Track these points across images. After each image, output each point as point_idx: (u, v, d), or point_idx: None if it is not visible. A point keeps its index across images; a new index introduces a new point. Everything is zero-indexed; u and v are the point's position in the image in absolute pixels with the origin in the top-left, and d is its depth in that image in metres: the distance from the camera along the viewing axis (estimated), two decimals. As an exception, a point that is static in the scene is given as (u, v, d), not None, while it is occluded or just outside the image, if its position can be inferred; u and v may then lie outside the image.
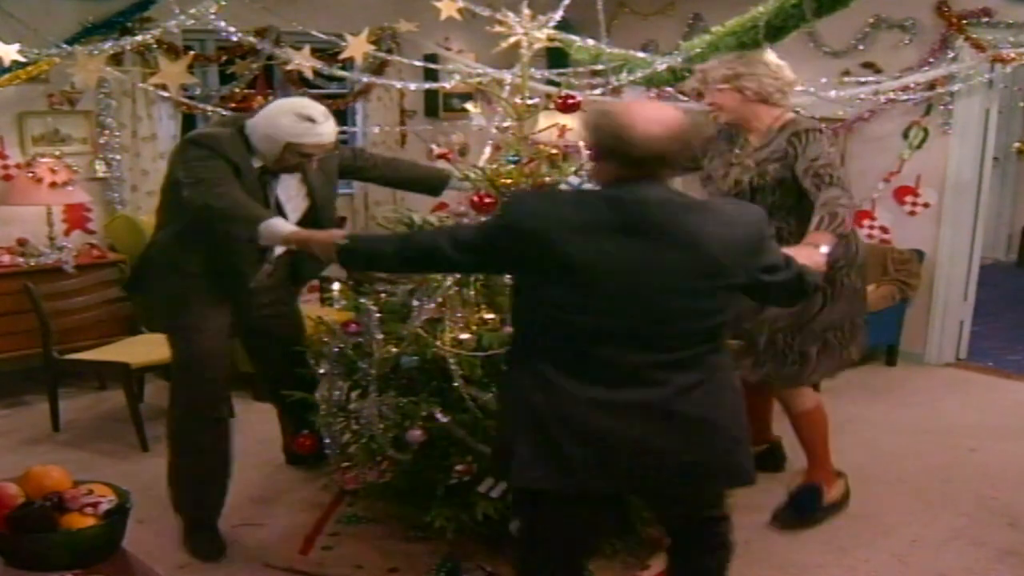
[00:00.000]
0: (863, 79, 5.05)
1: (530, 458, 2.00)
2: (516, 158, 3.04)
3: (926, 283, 5.30)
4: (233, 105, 5.06)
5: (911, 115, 5.21)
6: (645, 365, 1.98)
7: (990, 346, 5.70)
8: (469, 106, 3.33)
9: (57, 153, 4.88)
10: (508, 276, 2.78)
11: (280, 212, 3.03)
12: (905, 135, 5.27)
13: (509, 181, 2.98)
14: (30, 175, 4.68)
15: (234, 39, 4.04)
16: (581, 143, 3.29)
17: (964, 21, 4.90)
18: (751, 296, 2.20)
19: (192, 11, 3.69)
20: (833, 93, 4.79)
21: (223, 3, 3.62)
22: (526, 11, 3.05)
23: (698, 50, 3.85)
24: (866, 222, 5.45)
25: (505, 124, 3.14)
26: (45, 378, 4.34)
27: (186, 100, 4.69)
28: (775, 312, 3.15)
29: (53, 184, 4.69)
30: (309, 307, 4.94)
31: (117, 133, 5.09)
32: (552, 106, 3.18)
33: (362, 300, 3.05)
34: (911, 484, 3.76)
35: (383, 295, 3.19)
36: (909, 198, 5.33)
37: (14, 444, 4.16)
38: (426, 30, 4.78)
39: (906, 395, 4.89)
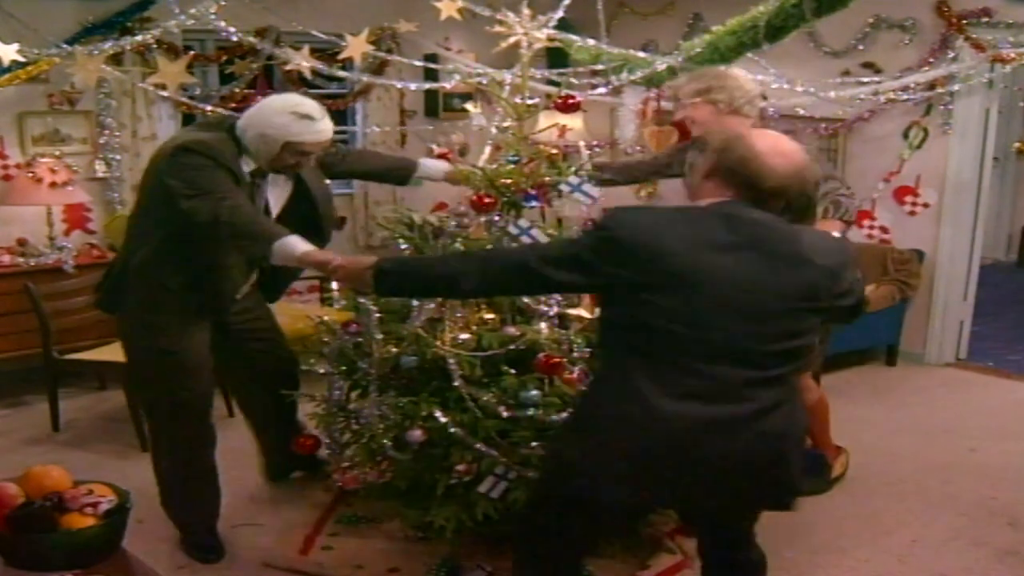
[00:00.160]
0: (863, 79, 5.05)
1: (622, 473, 1.99)
2: (516, 158, 3.04)
3: (926, 283, 5.30)
4: (233, 105, 5.05)
5: (911, 115, 5.21)
6: (739, 382, 1.98)
7: (990, 346, 5.70)
8: (469, 106, 3.33)
9: (57, 153, 4.88)
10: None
11: (267, 214, 2.99)
12: (905, 135, 5.27)
13: (509, 181, 2.98)
14: (30, 175, 4.68)
15: (234, 39, 4.04)
16: (582, 143, 3.31)
17: (964, 21, 4.90)
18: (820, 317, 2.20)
19: (192, 11, 3.70)
20: (833, 93, 4.79)
21: (223, 3, 3.62)
22: (526, 11, 3.06)
23: (698, 50, 3.86)
24: (866, 222, 5.45)
25: (505, 124, 3.14)
26: (45, 378, 4.33)
27: (186, 100, 4.69)
28: None
29: (53, 184, 4.69)
30: (309, 307, 4.95)
31: (117, 133, 5.09)
32: (552, 106, 3.19)
33: (362, 300, 3.05)
34: (911, 484, 3.76)
35: (383, 295, 3.19)
36: (909, 198, 5.33)
37: (14, 444, 4.16)
38: (426, 30, 4.78)
39: (906, 395, 4.89)
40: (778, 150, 2.03)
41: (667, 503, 2.08)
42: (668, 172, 3.67)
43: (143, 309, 2.95)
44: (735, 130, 2.16)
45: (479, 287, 2.20)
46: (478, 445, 2.80)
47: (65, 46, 4.16)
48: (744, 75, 3.37)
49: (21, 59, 3.66)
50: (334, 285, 3.27)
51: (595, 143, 3.37)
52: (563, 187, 2.96)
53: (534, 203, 3.01)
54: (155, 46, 4.76)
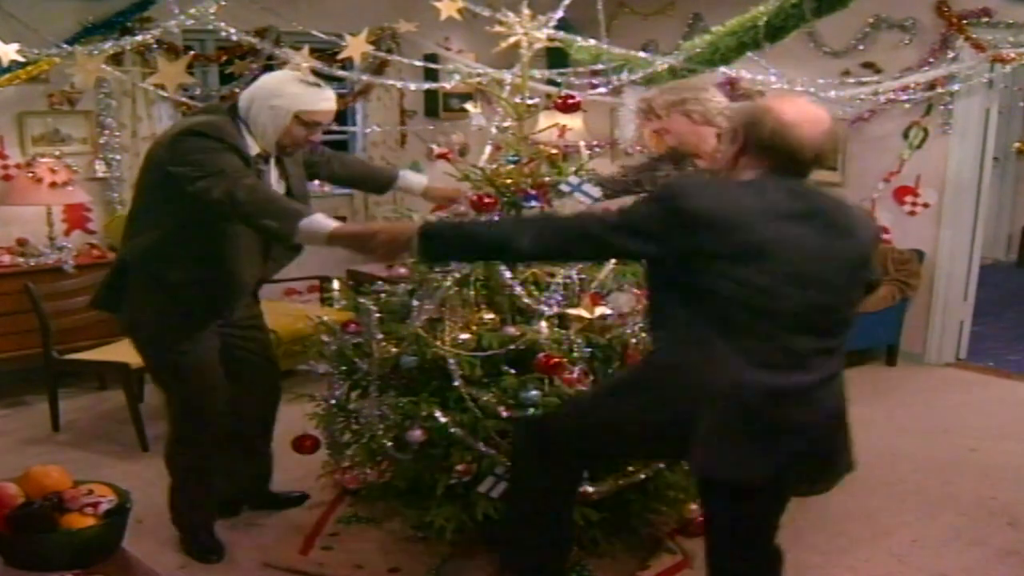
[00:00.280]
0: (863, 79, 5.05)
1: (718, 446, 2.00)
2: (516, 158, 3.04)
3: (926, 283, 5.30)
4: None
5: (911, 115, 5.21)
6: (807, 350, 2.02)
7: (990, 346, 5.71)
8: (469, 106, 3.33)
9: (57, 153, 4.88)
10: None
11: None
12: (905, 135, 5.27)
13: (509, 181, 2.98)
14: (30, 175, 4.68)
15: (234, 39, 4.04)
16: (582, 143, 3.30)
17: (964, 21, 4.90)
18: None
19: (192, 11, 3.70)
20: (833, 93, 4.79)
21: (223, 3, 3.62)
22: (526, 11, 3.05)
23: (698, 50, 3.86)
24: (866, 222, 5.44)
25: (505, 124, 3.14)
26: (45, 378, 4.34)
27: (186, 100, 4.69)
28: None
29: (53, 184, 4.69)
30: (309, 307, 4.95)
31: (117, 133, 5.10)
32: (552, 106, 3.19)
33: (362, 300, 3.05)
34: (911, 484, 3.76)
35: (383, 295, 3.19)
36: (909, 198, 5.33)
37: (14, 444, 4.16)
38: (426, 30, 4.78)
39: (906, 395, 4.89)
40: (807, 116, 2.05)
41: (723, 471, 2.05)
42: (637, 189, 3.69)
43: (146, 307, 2.85)
44: (762, 100, 2.17)
45: (534, 250, 2.15)
46: (478, 445, 2.80)
47: (65, 46, 4.16)
48: (714, 89, 3.45)
49: (21, 59, 3.66)
50: (334, 286, 3.25)
51: (595, 143, 3.38)
52: (563, 187, 2.95)
53: (534, 203, 3.01)
54: (155, 46, 4.77)
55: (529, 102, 3.07)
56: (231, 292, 2.94)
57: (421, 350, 2.90)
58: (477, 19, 3.88)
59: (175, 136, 2.70)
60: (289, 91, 2.75)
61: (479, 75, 4.32)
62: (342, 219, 5.52)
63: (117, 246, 4.95)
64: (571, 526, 2.54)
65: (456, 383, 2.82)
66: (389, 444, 2.95)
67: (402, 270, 3.23)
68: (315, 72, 4.24)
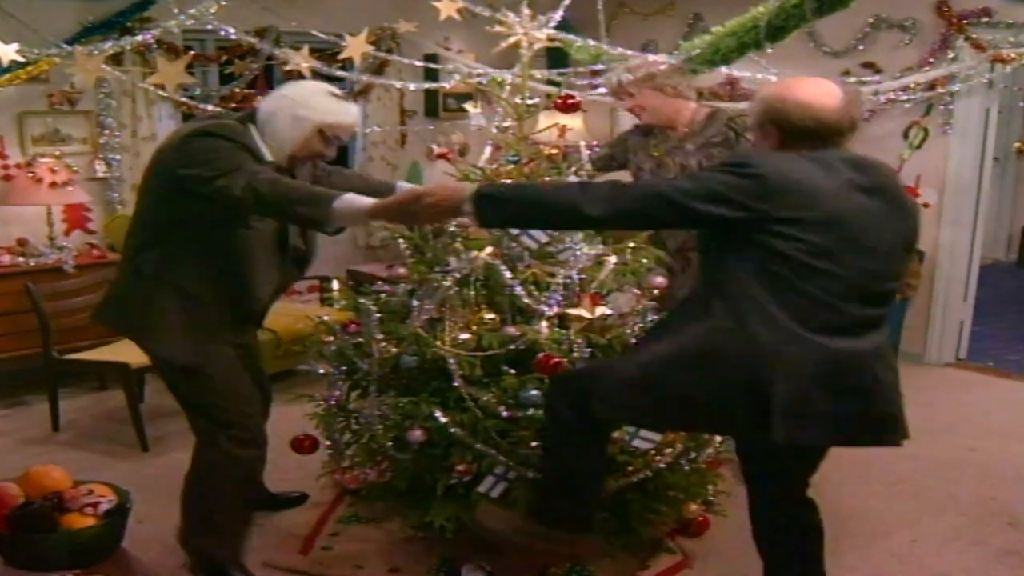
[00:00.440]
0: (863, 79, 5.05)
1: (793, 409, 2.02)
2: (516, 158, 3.04)
3: (926, 283, 5.30)
4: (233, 105, 5.06)
5: (911, 115, 5.21)
6: (863, 319, 2.08)
7: (990, 346, 5.71)
8: (469, 106, 3.33)
9: (57, 153, 4.88)
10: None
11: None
12: (905, 135, 5.27)
13: (509, 181, 2.98)
14: (30, 175, 4.68)
15: (234, 39, 4.04)
16: (582, 143, 3.30)
17: (964, 21, 4.90)
18: None
19: (192, 11, 3.70)
20: (833, 93, 4.78)
21: (223, 3, 3.62)
22: (526, 11, 3.06)
23: (698, 50, 3.86)
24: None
25: (505, 124, 3.14)
26: (45, 378, 4.34)
27: (186, 100, 4.69)
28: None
29: (53, 184, 4.69)
30: (309, 307, 4.95)
31: (117, 133, 5.10)
32: (552, 106, 3.19)
33: (362, 300, 3.05)
34: (911, 484, 3.76)
35: (383, 295, 3.19)
36: (909, 198, 5.33)
37: (14, 444, 4.16)
38: (426, 30, 4.78)
39: (906, 395, 4.84)
40: (821, 91, 2.11)
41: (807, 437, 2.09)
42: (612, 165, 3.78)
43: (159, 322, 2.67)
44: (769, 90, 2.20)
45: (607, 216, 2.10)
46: (478, 445, 2.80)
47: (65, 46, 4.16)
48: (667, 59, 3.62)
49: (21, 59, 3.66)
50: (334, 285, 3.24)
51: (595, 143, 3.39)
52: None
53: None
54: (155, 46, 4.77)
55: (529, 102, 3.08)
56: (250, 304, 2.82)
57: (421, 350, 2.90)
58: (477, 19, 3.87)
59: (184, 138, 2.60)
60: (316, 103, 2.68)
61: (479, 75, 4.32)
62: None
63: (117, 246, 5.00)
64: (604, 466, 2.54)
65: (456, 383, 2.82)
66: (389, 444, 2.95)
67: (402, 270, 3.22)
68: (315, 72, 4.26)
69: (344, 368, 3.13)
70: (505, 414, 2.79)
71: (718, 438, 3.11)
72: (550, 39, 3.18)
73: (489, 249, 2.86)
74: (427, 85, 4.89)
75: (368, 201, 2.35)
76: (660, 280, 3.08)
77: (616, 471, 2.85)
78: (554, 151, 3.12)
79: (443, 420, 2.81)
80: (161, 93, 4.10)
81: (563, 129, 3.29)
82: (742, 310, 2.06)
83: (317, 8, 5.21)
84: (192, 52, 4.90)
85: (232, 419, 2.71)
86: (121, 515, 1.94)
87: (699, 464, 3.07)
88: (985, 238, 5.63)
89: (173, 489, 3.06)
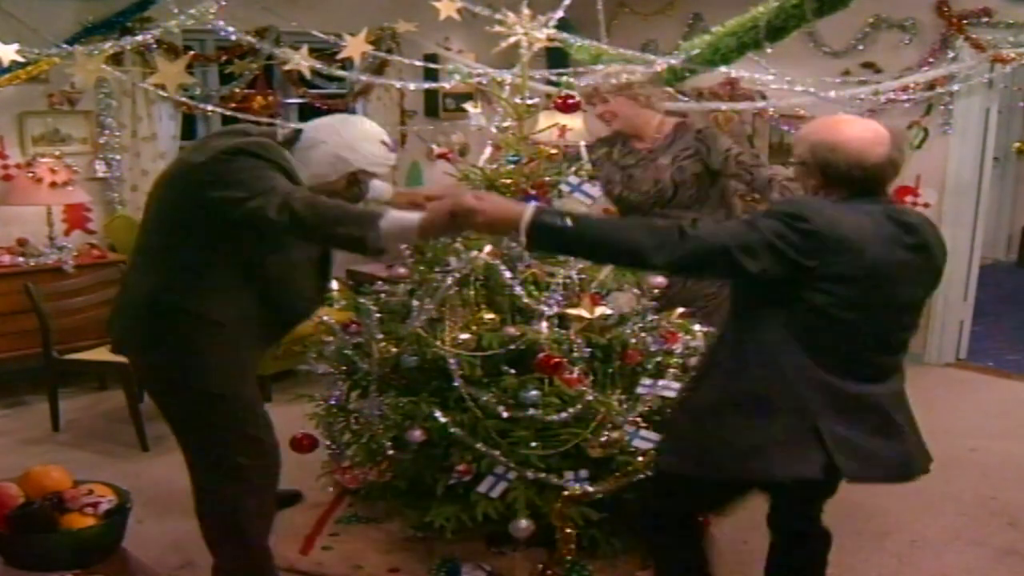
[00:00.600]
0: (863, 79, 5.05)
1: (784, 450, 2.08)
2: (516, 158, 3.04)
3: (926, 283, 5.30)
4: (233, 105, 5.06)
5: (911, 115, 5.21)
6: (885, 365, 2.17)
7: (990, 346, 5.71)
8: (469, 106, 3.33)
9: (57, 153, 4.88)
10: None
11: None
12: (905, 135, 5.28)
13: (509, 181, 2.98)
14: (30, 175, 4.68)
15: (234, 39, 4.04)
16: (582, 143, 3.31)
17: (964, 21, 4.90)
18: None
19: (192, 11, 3.70)
20: (833, 93, 4.79)
21: (223, 3, 3.63)
22: (526, 11, 3.06)
23: (698, 50, 3.86)
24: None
25: (505, 124, 3.14)
26: (45, 378, 4.34)
27: (186, 100, 4.69)
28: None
29: (53, 184, 4.69)
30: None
31: (117, 133, 5.09)
32: (552, 106, 3.19)
33: (362, 300, 3.05)
34: (911, 484, 3.72)
35: (383, 295, 3.19)
36: (909, 198, 5.32)
37: (14, 444, 4.16)
38: (426, 30, 4.78)
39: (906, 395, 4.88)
40: (869, 139, 2.11)
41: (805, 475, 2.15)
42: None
43: (183, 349, 2.46)
44: (819, 132, 2.17)
45: (666, 264, 2.08)
46: (478, 445, 2.80)
47: (65, 46, 4.16)
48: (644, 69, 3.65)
49: (21, 59, 3.66)
50: (333, 286, 3.21)
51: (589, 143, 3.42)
52: (563, 187, 2.96)
53: (534, 203, 3.00)
54: (155, 46, 4.76)
55: (529, 102, 3.08)
56: (294, 318, 2.67)
57: (421, 350, 2.90)
58: (477, 19, 3.88)
59: (217, 156, 2.37)
60: (366, 150, 2.56)
61: (479, 75, 4.33)
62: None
63: (117, 246, 5.01)
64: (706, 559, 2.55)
65: (456, 383, 2.82)
66: (389, 444, 2.94)
67: (402, 270, 3.23)
68: (315, 72, 4.26)
69: (344, 368, 3.13)
70: (505, 414, 2.79)
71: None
72: (550, 39, 3.18)
73: (489, 249, 2.86)
74: (427, 85, 4.89)
75: (415, 217, 2.17)
76: (660, 280, 3.09)
77: (616, 471, 2.85)
78: (554, 151, 3.12)
79: (443, 420, 2.81)
80: (161, 93, 4.10)
81: (563, 129, 3.29)
82: (776, 358, 2.10)
83: (317, 8, 5.21)
84: (192, 52, 4.89)
85: (250, 449, 2.57)
86: (121, 515, 1.94)
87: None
88: (985, 238, 5.63)
89: (173, 488, 3.07)
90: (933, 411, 4.62)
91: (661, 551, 2.50)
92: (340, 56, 3.98)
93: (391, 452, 2.95)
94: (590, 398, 2.79)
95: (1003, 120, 6.48)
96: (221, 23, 3.76)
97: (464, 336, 2.86)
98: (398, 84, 4.98)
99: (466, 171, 3.14)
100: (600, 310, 2.83)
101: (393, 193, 3.24)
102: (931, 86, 4.95)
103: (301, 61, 4.01)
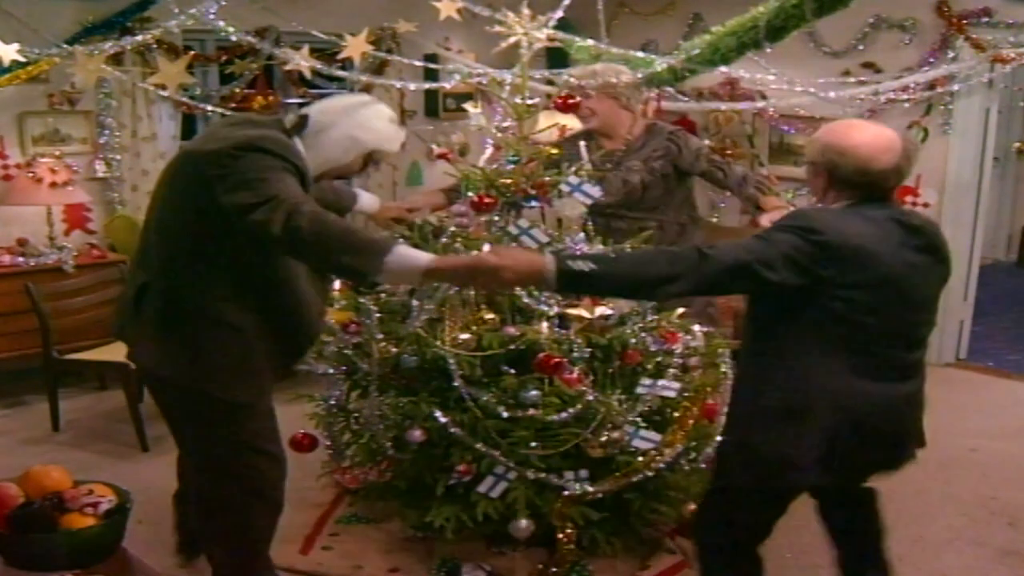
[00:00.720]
0: (863, 79, 5.05)
1: (822, 456, 2.15)
2: (516, 158, 3.04)
3: (926, 283, 5.30)
4: (233, 105, 5.06)
5: (911, 115, 5.21)
6: (908, 363, 2.25)
7: (990, 346, 5.70)
8: (468, 106, 3.33)
9: (57, 153, 4.87)
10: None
11: None
12: (905, 135, 5.27)
13: (509, 181, 2.98)
14: (30, 175, 4.68)
15: (234, 39, 4.04)
16: (582, 144, 3.30)
17: (964, 21, 4.90)
18: None
19: (192, 11, 3.70)
20: (833, 93, 4.79)
21: (223, 3, 3.63)
22: (526, 11, 3.06)
23: (698, 50, 3.86)
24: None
25: (505, 124, 3.14)
26: (45, 378, 4.34)
27: (186, 100, 4.69)
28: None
29: (53, 184, 4.69)
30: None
31: (117, 133, 5.09)
32: (552, 106, 3.19)
33: (362, 300, 3.05)
34: (911, 484, 3.74)
35: (383, 295, 3.19)
36: (909, 198, 5.32)
37: (14, 444, 4.16)
38: (426, 30, 4.79)
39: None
40: (881, 145, 2.16)
41: (844, 477, 2.29)
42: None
43: (211, 353, 2.37)
44: (831, 135, 2.23)
45: (691, 289, 2.17)
46: (478, 445, 2.80)
47: (65, 46, 4.16)
48: (625, 69, 3.64)
49: (21, 59, 3.67)
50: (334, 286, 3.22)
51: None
52: (563, 187, 2.96)
53: (534, 203, 3.01)
54: (155, 46, 4.76)
55: (529, 102, 3.08)
56: (301, 334, 2.58)
57: (421, 350, 2.90)
58: (477, 19, 3.88)
59: (227, 150, 2.27)
60: (377, 127, 2.54)
61: (479, 75, 4.33)
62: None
63: (117, 246, 5.01)
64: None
65: (456, 383, 2.82)
66: (389, 444, 2.95)
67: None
68: (315, 72, 4.27)
69: (344, 368, 3.13)
70: (505, 414, 2.80)
71: (718, 438, 3.11)
72: (550, 39, 3.18)
73: (488, 248, 2.86)
74: (427, 85, 4.90)
75: (425, 258, 2.13)
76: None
77: (616, 471, 2.85)
78: (554, 151, 3.12)
79: (443, 420, 2.81)
80: (161, 93, 4.10)
81: (563, 129, 3.29)
82: (802, 367, 2.17)
83: (317, 8, 5.21)
84: (192, 52, 4.89)
85: (261, 459, 2.52)
86: (121, 515, 1.94)
87: (699, 464, 3.07)
88: (985, 238, 5.63)
89: (173, 489, 3.06)
90: (933, 411, 4.59)
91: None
92: (340, 56, 3.98)
93: (391, 452, 2.95)
94: (590, 398, 2.79)
95: (1003, 120, 6.48)
96: (221, 23, 3.76)
97: (464, 336, 2.86)
98: (398, 84, 4.98)
99: (466, 171, 3.14)
100: (600, 310, 2.83)
101: (380, 206, 3.24)
102: (931, 86, 4.95)
103: (301, 61, 4.01)
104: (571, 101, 3.09)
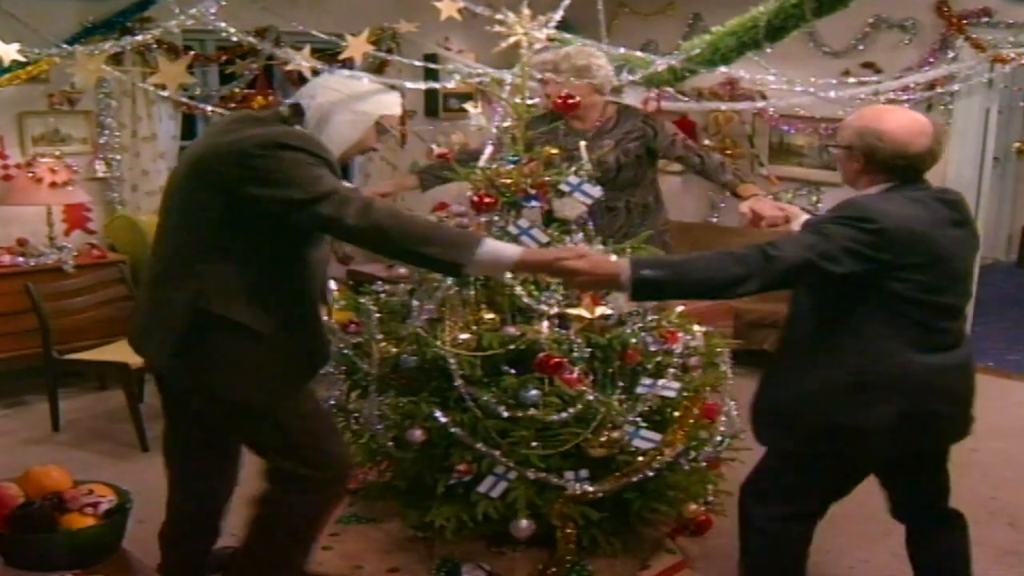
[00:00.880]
0: (863, 79, 5.05)
1: (892, 426, 2.27)
2: (516, 158, 3.04)
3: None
4: (233, 105, 5.06)
5: (911, 115, 5.21)
6: (956, 331, 2.36)
7: (990, 346, 5.70)
8: (468, 106, 3.33)
9: (57, 153, 4.88)
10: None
11: None
12: (905, 135, 5.27)
13: (509, 181, 2.98)
14: (30, 175, 4.68)
15: (234, 39, 4.04)
16: (582, 144, 3.30)
17: (964, 21, 4.90)
18: None
19: (192, 11, 3.70)
20: (833, 93, 4.79)
21: (223, 3, 3.62)
22: (526, 11, 3.06)
23: (698, 50, 3.86)
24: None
25: (505, 124, 3.14)
26: (45, 378, 4.34)
27: (186, 100, 4.69)
28: None
29: (53, 184, 4.69)
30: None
31: (117, 133, 5.10)
32: (552, 106, 3.19)
33: (362, 300, 3.05)
34: (911, 484, 3.75)
35: (383, 295, 3.19)
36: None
37: (14, 444, 4.16)
38: (426, 30, 4.78)
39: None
40: (915, 129, 2.25)
41: (909, 446, 2.42)
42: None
43: (239, 364, 2.33)
44: (867, 120, 2.32)
45: (761, 288, 2.24)
46: (478, 445, 2.80)
47: (65, 46, 4.16)
48: (600, 53, 3.69)
49: (21, 59, 3.66)
50: (333, 286, 3.23)
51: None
52: (563, 187, 2.96)
53: (534, 203, 3.01)
54: (155, 46, 4.76)
55: (529, 102, 3.07)
56: (321, 339, 2.58)
57: (421, 350, 2.90)
58: (477, 19, 3.88)
59: (251, 151, 2.21)
60: (374, 94, 2.50)
61: (479, 75, 4.33)
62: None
63: (117, 246, 5.01)
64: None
65: (456, 383, 2.81)
66: (389, 444, 2.94)
67: (402, 270, 3.22)
68: (315, 72, 4.26)
69: (344, 368, 3.13)
70: (505, 414, 2.79)
71: (717, 437, 3.11)
72: (550, 39, 3.18)
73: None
74: (427, 85, 4.88)
75: (513, 252, 2.18)
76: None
77: (616, 471, 2.85)
78: (554, 151, 3.11)
79: (443, 420, 2.81)
80: (161, 93, 4.10)
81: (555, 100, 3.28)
82: (870, 345, 2.26)
83: (317, 8, 5.21)
84: (192, 52, 4.89)
85: (309, 460, 2.46)
86: (121, 515, 1.94)
87: (699, 464, 3.07)
88: (985, 238, 5.61)
89: (173, 489, 3.06)
90: (933, 411, 4.65)
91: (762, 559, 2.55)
92: (341, 56, 3.98)
93: (391, 452, 2.95)
94: (590, 398, 2.79)
95: (1003, 120, 6.48)
96: (221, 23, 3.76)
97: (464, 336, 2.86)
98: (398, 84, 4.98)
99: (466, 171, 3.14)
100: (600, 310, 2.83)
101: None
102: (931, 86, 4.96)
103: (302, 61, 4.01)
104: (571, 101, 3.09)
